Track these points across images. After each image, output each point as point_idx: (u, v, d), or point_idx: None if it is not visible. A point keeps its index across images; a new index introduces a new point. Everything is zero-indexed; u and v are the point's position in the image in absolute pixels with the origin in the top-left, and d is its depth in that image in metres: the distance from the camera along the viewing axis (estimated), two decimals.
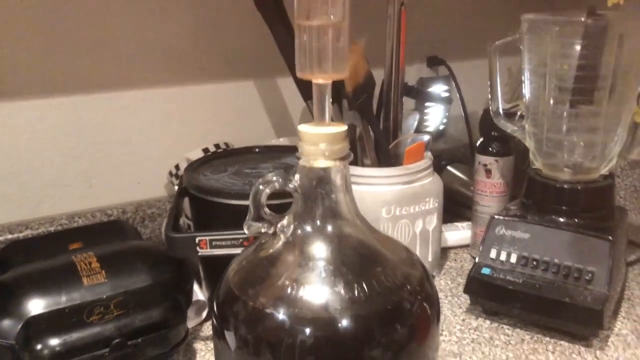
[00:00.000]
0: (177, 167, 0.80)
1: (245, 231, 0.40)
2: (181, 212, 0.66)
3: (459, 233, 0.89)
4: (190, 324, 0.66)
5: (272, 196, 0.40)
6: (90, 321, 0.55)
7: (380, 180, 0.73)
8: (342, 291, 0.37)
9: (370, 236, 0.41)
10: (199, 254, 0.59)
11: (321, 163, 0.39)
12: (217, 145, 0.80)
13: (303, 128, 0.39)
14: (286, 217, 0.41)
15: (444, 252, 0.87)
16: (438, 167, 0.98)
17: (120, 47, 0.79)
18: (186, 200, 0.70)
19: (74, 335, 0.54)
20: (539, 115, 0.71)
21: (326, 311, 0.36)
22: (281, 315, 0.37)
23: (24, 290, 0.58)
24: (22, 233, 0.75)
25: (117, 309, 0.57)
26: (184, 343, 0.60)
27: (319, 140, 0.38)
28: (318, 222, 0.39)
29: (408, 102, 0.92)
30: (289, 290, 0.37)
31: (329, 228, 0.39)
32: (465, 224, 0.91)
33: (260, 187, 0.40)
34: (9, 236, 0.74)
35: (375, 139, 0.74)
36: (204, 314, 0.68)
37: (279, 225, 0.40)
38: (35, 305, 0.56)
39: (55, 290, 0.58)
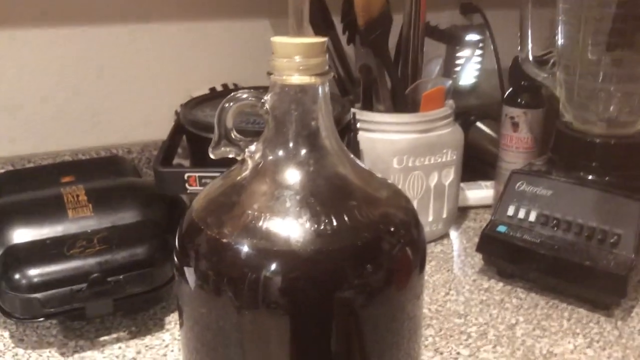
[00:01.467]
0: (181, 106, 0.76)
1: (210, 155, 0.37)
2: (176, 149, 0.63)
3: (481, 192, 0.84)
4: None
5: None
6: (70, 254, 0.53)
7: (393, 127, 0.68)
8: (307, 223, 0.33)
9: (350, 169, 0.37)
10: (188, 191, 0.56)
11: (295, 79, 0.34)
12: (224, 86, 0.76)
13: (276, 39, 0.34)
14: (256, 142, 0.36)
15: (464, 211, 0.82)
16: (467, 122, 0.92)
17: None
18: None
19: (52, 267, 0.52)
20: (572, 61, 0.64)
21: (287, 244, 0.32)
22: (240, 247, 0.33)
23: (6, 219, 0.56)
24: (26, 167, 0.74)
25: (100, 244, 0.55)
26: (169, 284, 0.57)
27: (293, 52, 0.34)
28: (290, 147, 0.35)
29: (437, 49, 0.86)
30: (249, 220, 0.33)
31: (303, 154, 0.35)
32: (489, 182, 0.85)
33: (226, 105, 0.35)
34: (12, 169, 0.73)
35: (391, 82, 0.68)
36: None
37: (247, 151, 0.36)
38: (17, 235, 0.55)
39: (39, 221, 0.56)
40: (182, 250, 0.37)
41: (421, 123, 0.68)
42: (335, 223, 0.33)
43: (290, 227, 0.33)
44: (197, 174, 0.55)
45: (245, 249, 0.33)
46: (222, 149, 0.36)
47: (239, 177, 0.36)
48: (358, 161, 0.38)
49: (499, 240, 0.64)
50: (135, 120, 0.80)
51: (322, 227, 0.33)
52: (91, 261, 0.53)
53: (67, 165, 0.68)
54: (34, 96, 0.74)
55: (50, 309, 0.51)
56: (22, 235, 0.55)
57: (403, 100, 0.69)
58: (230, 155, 0.37)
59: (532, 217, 0.63)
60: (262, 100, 0.35)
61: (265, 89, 0.36)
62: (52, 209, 0.57)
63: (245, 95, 0.36)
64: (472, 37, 0.95)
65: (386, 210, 0.36)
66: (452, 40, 0.73)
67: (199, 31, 0.80)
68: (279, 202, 0.34)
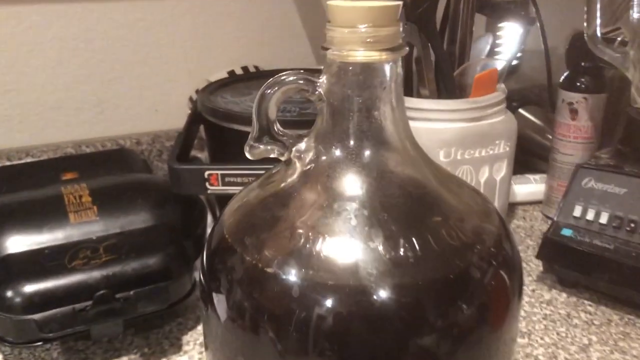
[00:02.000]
0: (197, 92, 0.68)
1: (247, 154, 0.28)
2: (193, 142, 0.55)
3: (530, 187, 0.75)
4: None
5: None
6: (72, 266, 0.45)
7: (440, 115, 0.59)
8: (381, 248, 0.25)
9: (427, 172, 0.28)
10: (209, 191, 0.48)
11: (361, 55, 0.26)
12: (245, 69, 0.68)
13: (334, 2, 0.26)
14: (306, 138, 0.28)
15: (511, 208, 0.74)
16: (508, 109, 0.83)
17: None
18: None
19: (52, 283, 0.44)
20: None
21: (355, 277, 0.24)
22: (289, 277, 0.25)
23: None
24: (23, 160, 0.66)
25: (107, 254, 0.47)
26: (187, 299, 0.49)
27: (358, 18, 0.25)
28: (351, 146, 0.27)
29: (478, 26, 0.77)
30: (301, 242, 0.25)
31: (367, 155, 0.27)
32: (538, 176, 0.76)
33: (268, 90, 0.27)
34: (8, 164, 0.65)
35: (437, 63, 0.60)
36: None
37: (294, 149, 0.28)
38: (10, 243, 0.47)
39: (35, 227, 0.48)
40: (210, 272, 0.29)
41: (472, 110, 0.59)
42: (417, 247, 0.25)
43: (358, 253, 0.25)
44: (219, 172, 0.47)
45: (295, 281, 0.25)
46: (262, 147, 0.28)
47: (283, 184, 0.28)
48: (434, 161, 0.30)
49: (564, 245, 0.55)
50: (145, 107, 0.72)
51: (401, 254, 0.24)
52: (97, 274, 0.45)
53: (69, 160, 0.60)
54: (31, 82, 0.66)
55: (49, 332, 0.43)
56: (15, 243, 0.47)
57: (450, 84, 0.60)
58: (273, 155, 0.29)
59: (604, 219, 0.55)
60: (317, 84, 0.27)
61: (304, 71, 0.28)
62: (51, 212, 0.49)
63: (292, 78, 0.27)
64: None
65: (477, 224, 0.28)
66: (507, 16, 0.64)
67: (216, 7, 0.72)
68: (341, 218, 0.26)
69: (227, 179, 0.47)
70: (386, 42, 0.26)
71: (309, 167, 0.28)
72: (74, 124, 0.69)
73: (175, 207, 0.52)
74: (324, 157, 0.27)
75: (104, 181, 0.53)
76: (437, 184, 0.28)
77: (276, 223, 0.27)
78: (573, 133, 0.67)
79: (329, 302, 0.24)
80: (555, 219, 0.57)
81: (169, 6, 0.69)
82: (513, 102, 0.86)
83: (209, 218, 0.58)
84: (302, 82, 0.27)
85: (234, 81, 0.61)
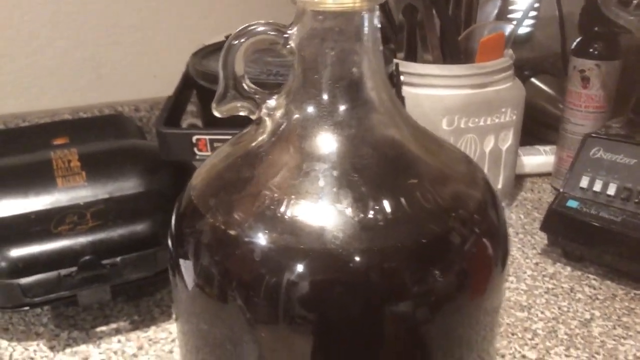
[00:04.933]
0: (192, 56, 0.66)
1: (214, 112, 0.27)
2: (184, 107, 0.53)
3: (539, 158, 0.73)
4: None
5: None
6: (57, 231, 0.45)
7: (443, 81, 0.57)
8: (349, 210, 0.23)
9: (407, 132, 0.27)
10: (197, 156, 0.46)
11: (332, 3, 0.24)
12: None
13: None
14: (277, 95, 0.26)
15: (519, 179, 0.71)
16: (520, 78, 0.80)
17: None
18: None
19: (37, 248, 0.44)
20: None
21: (320, 240, 0.23)
22: (253, 240, 0.24)
23: None
24: (16, 127, 0.65)
25: (94, 219, 0.46)
26: None
27: None
28: (324, 103, 0.25)
29: None
30: (266, 204, 0.24)
31: (341, 112, 0.25)
32: (548, 147, 0.74)
33: (234, 42, 0.26)
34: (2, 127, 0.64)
35: (441, 26, 0.57)
36: None
37: (264, 107, 0.26)
38: None
39: (22, 191, 0.47)
40: (177, 237, 0.28)
41: (477, 76, 0.57)
42: (388, 210, 0.23)
43: (325, 216, 0.23)
44: (207, 137, 0.45)
45: (261, 244, 0.23)
46: (230, 104, 0.26)
47: (253, 144, 0.27)
48: (415, 121, 0.28)
49: (569, 217, 0.53)
50: (144, 73, 0.70)
51: (370, 216, 0.23)
52: (82, 240, 0.45)
53: (62, 125, 0.59)
54: (25, 47, 0.64)
55: (33, 297, 0.43)
56: (1, 208, 0.46)
57: (455, 49, 0.57)
58: (242, 113, 0.27)
59: (611, 190, 0.52)
60: (286, 35, 0.25)
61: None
62: (39, 177, 0.48)
63: (261, 28, 0.26)
64: None
65: (458, 188, 0.26)
66: None
67: None
68: (309, 179, 0.24)
69: (215, 144, 0.46)
70: None
71: (279, 125, 0.26)
72: (71, 90, 0.68)
73: (165, 173, 0.51)
74: (295, 115, 0.26)
75: (94, 146, 0.52)
76: (417, 144, 0.26)
77: (243, 185, 0.25)
78: (584, 102, 0.64)
79: (293, 267, 0.23)
80: (561, 190, 0.55)
81: None
82: (525, 70, 0.83)
83: None
84: (272, 33, 0.25)
85: None
